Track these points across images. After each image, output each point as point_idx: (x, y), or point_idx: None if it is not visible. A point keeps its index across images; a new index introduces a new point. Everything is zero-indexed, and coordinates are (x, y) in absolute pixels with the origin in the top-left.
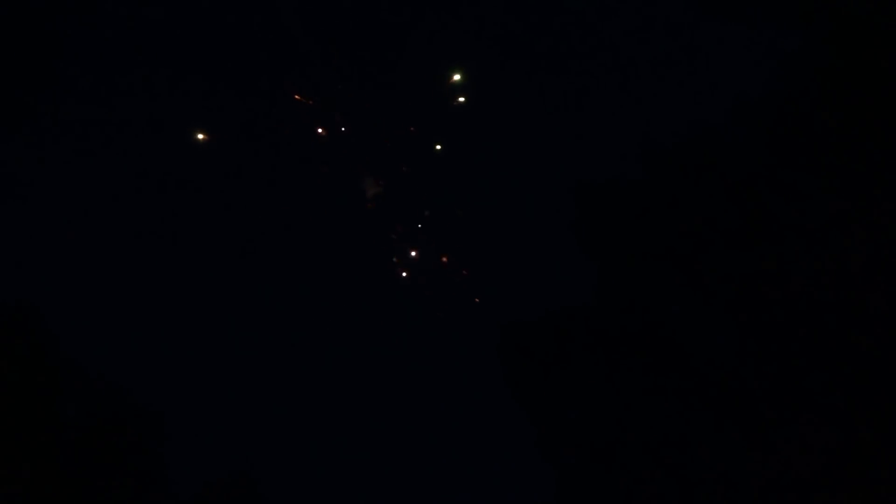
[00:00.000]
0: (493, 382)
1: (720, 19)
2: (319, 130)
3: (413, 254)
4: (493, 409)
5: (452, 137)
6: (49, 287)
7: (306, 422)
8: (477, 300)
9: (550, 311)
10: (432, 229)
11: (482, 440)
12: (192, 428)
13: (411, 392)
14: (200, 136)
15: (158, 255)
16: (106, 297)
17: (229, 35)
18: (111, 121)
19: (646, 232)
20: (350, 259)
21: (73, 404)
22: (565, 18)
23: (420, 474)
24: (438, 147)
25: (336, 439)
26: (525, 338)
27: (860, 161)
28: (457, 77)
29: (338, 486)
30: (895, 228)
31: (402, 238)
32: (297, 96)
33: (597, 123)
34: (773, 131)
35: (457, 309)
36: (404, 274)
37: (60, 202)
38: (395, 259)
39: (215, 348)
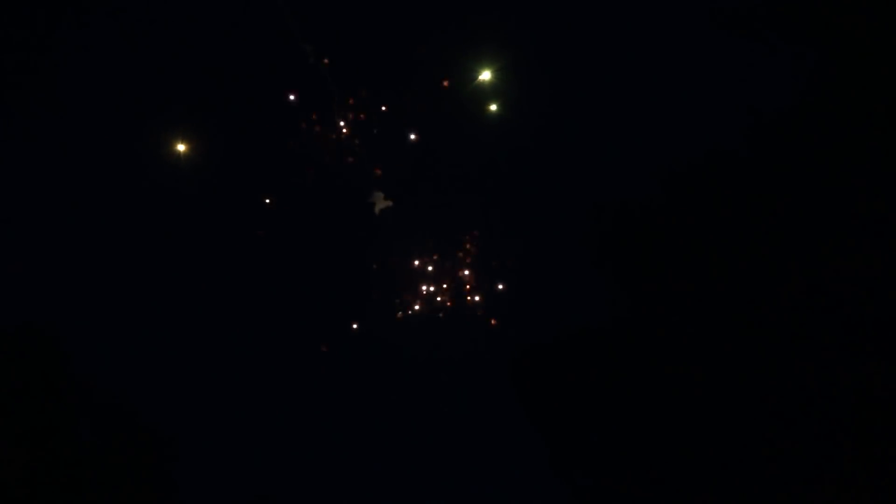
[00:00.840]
0: (507, 402)
1: (735, 37)
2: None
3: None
4: (506, 430)
5: (465, 154)
6: (63, 307)
7: (321, 444)
8: (493, 321)
9: (565, 331)
10: (445, 247)
11: (496, 461)
12: (206, 451)
13: (425, 414)
14: (182, 148)
15: (175, 277)
16: (121, 319)
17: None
18: (120, 138)
19: (661, 251)
20: (364, 280)
21: (88, 427)
22: (578, 35)
23: (434, 495)
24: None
25: (349, 461)
26: (539, 357)
27: (879, 178)
28: (485, 76)
29: None
30: None
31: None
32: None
33: (610, 141)
34: (788, 149)
35: (471, 328)
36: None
37: (75, 220)
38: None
39: (231, 371)
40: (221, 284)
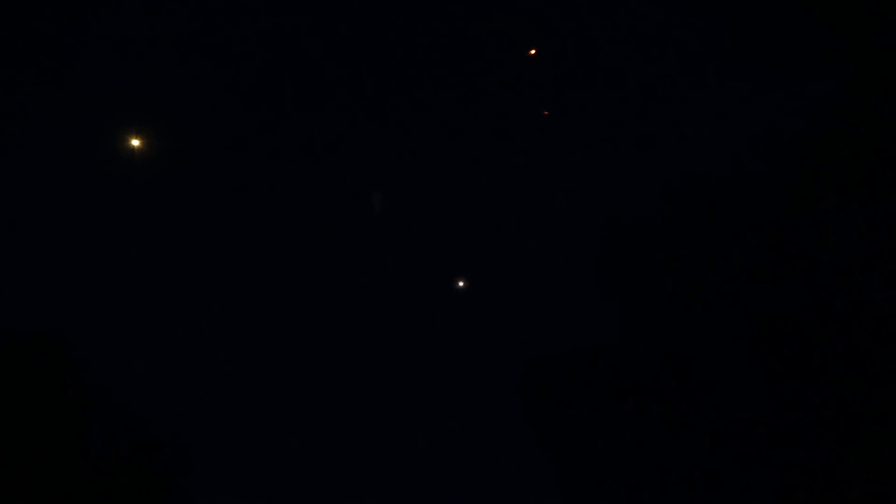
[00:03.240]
0: (515, 424)
1: (751, 62)
2: None
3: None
4: (515, 452)
5: (477, 171)
6: (77, 314)
7: (332, 462)
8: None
9: (575, 352)
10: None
11: (504, 483)
12: (218, 462)
13: (433, 432)
14: (136, 143)
15: (189, 288)
16: (135, 327)
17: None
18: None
19: (672, 273)
20: (375, 292)
21: (100, 437)
22: (593, 58)
23: None
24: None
25: (358, 479)
26: (548, 377)
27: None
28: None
29: None
30: None
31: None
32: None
33: (624, 162)
34: (803, 174)
35: (478, 346)
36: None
37: (88, 229)
38: None
39: (246, 382)
40: (238, 296)
